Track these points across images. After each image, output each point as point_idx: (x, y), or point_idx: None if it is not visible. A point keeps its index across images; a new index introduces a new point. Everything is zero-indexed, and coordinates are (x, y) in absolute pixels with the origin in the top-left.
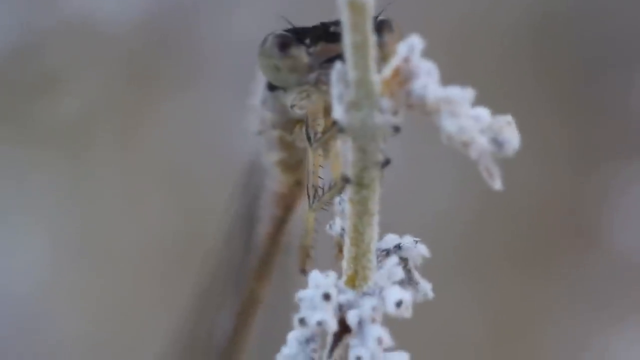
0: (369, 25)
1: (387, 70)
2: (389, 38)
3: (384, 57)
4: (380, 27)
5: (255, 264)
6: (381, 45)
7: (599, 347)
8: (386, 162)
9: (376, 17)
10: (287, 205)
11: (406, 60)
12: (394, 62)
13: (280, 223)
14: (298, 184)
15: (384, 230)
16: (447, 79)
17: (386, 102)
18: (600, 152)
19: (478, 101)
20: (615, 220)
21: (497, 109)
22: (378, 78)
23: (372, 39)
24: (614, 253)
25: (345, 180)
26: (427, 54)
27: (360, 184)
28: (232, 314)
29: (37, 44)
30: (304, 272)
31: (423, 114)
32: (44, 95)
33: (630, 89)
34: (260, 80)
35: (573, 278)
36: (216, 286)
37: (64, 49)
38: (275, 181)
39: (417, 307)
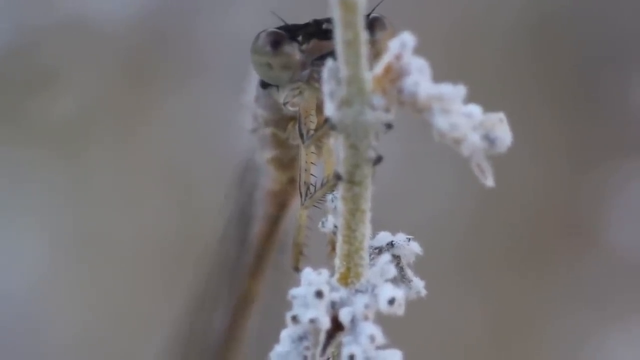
0: (361, 23)
1: (379, 67)
2: (382, 35)
3: (376, 54)
4: (373, 24)
5: (250, 261)
6: (373, 43)
7: (597, 346)
8: (378, 160)
9: (368, 15)
10: (281, 202)
11: (398, 57)
12: (386, 59)
13: (275, 221)
14: (292, 181)
15: (383, 229)
16: (445, 78)
17: (378, 99)
18: (598, 151)
19: (476, 100)
20: (613, 219)
21: (495, 108)
22: (369, 75)
23: (363, 36)
24: (612, 252)
25: (337, 177)
26: (426, 53)
27: (352, 181)
28: (227, 311)
29: (34, 43)
30: (297, 269)
31: (415, 111)
32: (41, 94)
33: (628, 89)
34: (253, 78)
35: (571, 277)
36: (211, 284)
37: (61, 48)
38: (269, 179)
39: (414, 305)
